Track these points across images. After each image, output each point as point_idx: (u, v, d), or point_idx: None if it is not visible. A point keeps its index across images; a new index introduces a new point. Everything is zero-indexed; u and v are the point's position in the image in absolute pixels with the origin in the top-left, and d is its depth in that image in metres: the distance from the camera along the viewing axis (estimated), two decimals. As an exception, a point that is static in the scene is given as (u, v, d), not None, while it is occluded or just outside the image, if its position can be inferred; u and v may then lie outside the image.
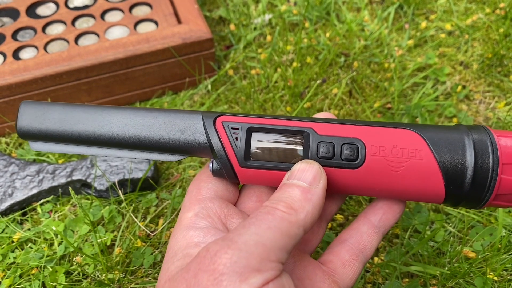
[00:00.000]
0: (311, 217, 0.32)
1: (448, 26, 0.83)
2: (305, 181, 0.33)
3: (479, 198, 0.35)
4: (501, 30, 0.80)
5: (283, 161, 0.36)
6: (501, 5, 0.85)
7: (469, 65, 0.78)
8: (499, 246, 0.54)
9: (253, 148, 0.36)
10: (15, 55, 0.68)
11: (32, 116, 0.37)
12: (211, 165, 0.37)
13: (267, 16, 0.84)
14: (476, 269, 0.53)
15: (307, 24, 0.83)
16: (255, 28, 0.83)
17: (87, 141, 0.37)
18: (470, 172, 0.34)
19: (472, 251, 0.55)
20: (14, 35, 0.71)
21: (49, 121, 0.37)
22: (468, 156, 0.34)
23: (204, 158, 0.51)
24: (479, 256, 0.54)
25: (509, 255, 0.54)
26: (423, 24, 0.83)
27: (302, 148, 0.36)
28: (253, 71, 0.76)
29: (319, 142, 0.35)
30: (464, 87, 0.74)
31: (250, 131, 0.36)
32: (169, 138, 0.37)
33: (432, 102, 0.71)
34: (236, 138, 0.36)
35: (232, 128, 0.36)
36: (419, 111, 0.69)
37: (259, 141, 0.36)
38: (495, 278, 0.52)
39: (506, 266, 0.53)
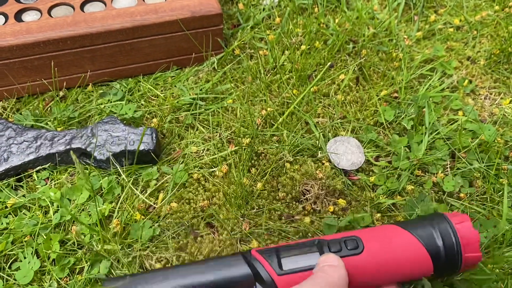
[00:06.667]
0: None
1: (456, 21, 0.83)
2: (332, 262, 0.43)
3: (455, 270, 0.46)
4: (510, 27, 0.80)
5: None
6: (510, 3, 0.85)
7: (476, 60, 0.77)
8: (502, 239, 0.54)
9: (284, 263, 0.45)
10: (17, 17, 0.66)
11: None
12: None
13: (277, -2, 0.82)
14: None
15: (316, 9, 0.82)
16: (263, 9, 0.82)
17: None
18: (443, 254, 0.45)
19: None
20: (17, -3, 0.69)
21: None
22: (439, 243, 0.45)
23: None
24: (481, 249, 0.54)
25: (512, 248, 0.54)
26: (432, 17, 0.83)
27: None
28: (260, 52, 0.75)
29: (328, 243, 0.45)
30: (470, 81, 0.74)
31: (278, 252, 0.45)
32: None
33: (438, 93, 0.70)
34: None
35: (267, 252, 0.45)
36: (425, 101, 0.68)
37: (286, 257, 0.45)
38: (497, 271, 0.52)
39: (509, 259, 0.53)
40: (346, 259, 0.44)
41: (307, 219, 0.56)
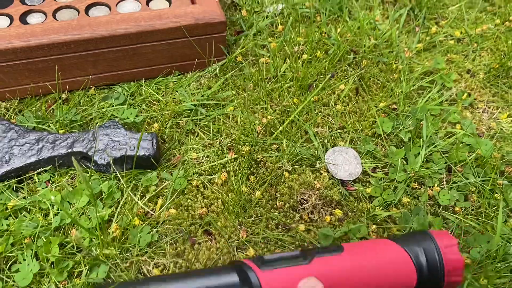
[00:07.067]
0: None
1: (457, 33, 0.83)
2: None
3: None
4: (510, 42, 0.81)
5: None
6: (511, 17, 0.86)
7: (475, 73, 0.78)
8: (495, 255, 0.55)
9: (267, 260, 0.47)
10: (22, 19, 0.67)
11: None
12: None
13: (280, 6, 0.83)
14: (471, 276, 0.54)
15: (319, 18, 0.83)
16: (267, 17, 0.82)
17: None
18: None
19: (467, 258, 0.55)
20: (22, -1, 0.69)
21: None
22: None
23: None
24: (475, 264, 0.55)
25: (505, 263, 0.55)
26: (433, 28, 0.84)
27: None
28: (262, 60, 0.76)
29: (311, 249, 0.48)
30: (469, 95, 0.75)
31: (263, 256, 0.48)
32: None
33: (437, 106, 0.71)
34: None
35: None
36: (424, 114, 0.69)
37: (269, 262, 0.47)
38: (489, 286, 0.53)
39: (501, 275, 0.54)
40: (326, 258, 0.46)
41: (302, 227, 0.57)
